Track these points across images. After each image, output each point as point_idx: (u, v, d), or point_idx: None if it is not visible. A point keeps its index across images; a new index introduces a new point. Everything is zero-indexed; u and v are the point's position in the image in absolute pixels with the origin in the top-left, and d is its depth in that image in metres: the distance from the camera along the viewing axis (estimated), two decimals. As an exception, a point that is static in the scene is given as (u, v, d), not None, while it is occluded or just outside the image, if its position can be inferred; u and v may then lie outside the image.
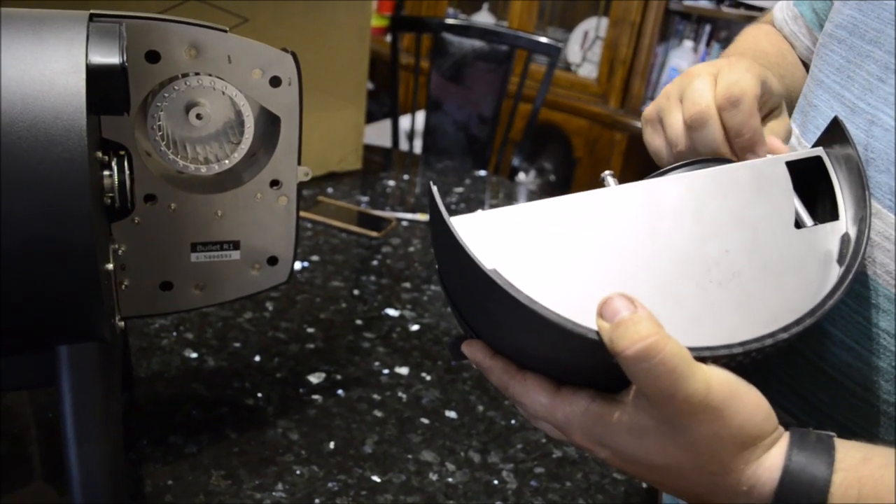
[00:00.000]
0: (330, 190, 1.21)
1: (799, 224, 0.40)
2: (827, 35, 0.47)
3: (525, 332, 0.35)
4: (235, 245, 0.59)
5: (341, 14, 1.14)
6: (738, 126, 0.43)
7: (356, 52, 1.20)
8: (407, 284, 0.95)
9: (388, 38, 2.27)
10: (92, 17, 0.42)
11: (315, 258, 0.98)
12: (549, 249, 0.37)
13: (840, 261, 0.39)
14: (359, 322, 0.85)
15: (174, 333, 0.78)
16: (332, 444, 0.66)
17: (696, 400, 0.32)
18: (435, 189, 0.36)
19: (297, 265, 0.95)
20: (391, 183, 1.29)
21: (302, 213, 1.07)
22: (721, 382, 0.32)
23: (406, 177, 1.35)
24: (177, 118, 0.54)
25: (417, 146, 1.96)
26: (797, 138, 0.49)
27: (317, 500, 0.60)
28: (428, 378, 0.77)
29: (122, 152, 0.49)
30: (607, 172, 0.42)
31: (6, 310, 0.40)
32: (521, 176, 2.52)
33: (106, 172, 0.47)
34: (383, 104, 2.65)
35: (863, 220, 0.38)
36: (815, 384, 0.46)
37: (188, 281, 0.59)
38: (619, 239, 0.37)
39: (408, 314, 0.88)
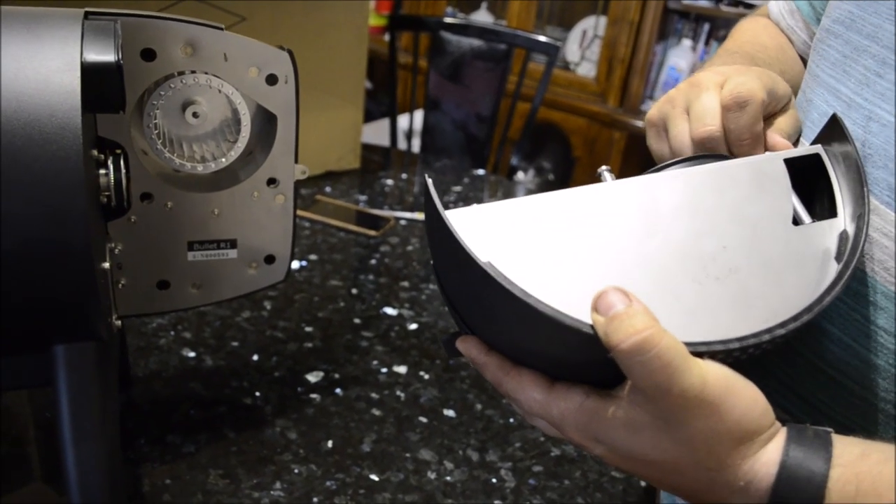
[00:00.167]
0: (328, 189, 1.21)
1: (797, 221, 0.40)
2: (824, 30, 0.47)
3: (519, 326, 0.35)
4: (232, 244, 0.59)
5: (339, 13, 1.14)
6: (740, 130, 0.43)
7: (354, 51, 1.19)
8: (405, 283, 0.95)
9: (387, 37, 2.27)
10: (87, 15, 0.41)
11: (313, 257, 0.98)
12: (544, 243, 0.36)
13: (838, 258, 0.38)
14: (357, 321, 0.85)
15: (172, 333, 0.78)
16: (330, 443, 0.66)
17: (692, 395, 0.31)
18: (430, 182, 0.36)
19: (296, 264, 0.95)
20: (389, 182, 1.29)
21: (300, 212, 1.07)
22: (717, 377, 0.32)
23: (404, 176, 1.35)
24: (173, 116, 0.54)
25: (416, 145, 1.96)
26: (794, 134, 0.49)
27: (315, 499, 0.60)
28: (426, 377, 0.77)
29: (118, 151, 0.49)
30: (604, 168, 0.42)
31: (1, 310, 0.40)
32: (520, 175, 2.52)
33: (102, 171, 0.46)
34: (381, 103, 2.64)
35: (861, 217, 0.38)
36: (813, 383, 0.46)
37: (185, 280, 0.59)
38: (616, 233, 0.37)
39: (406, 313, 0.88)
